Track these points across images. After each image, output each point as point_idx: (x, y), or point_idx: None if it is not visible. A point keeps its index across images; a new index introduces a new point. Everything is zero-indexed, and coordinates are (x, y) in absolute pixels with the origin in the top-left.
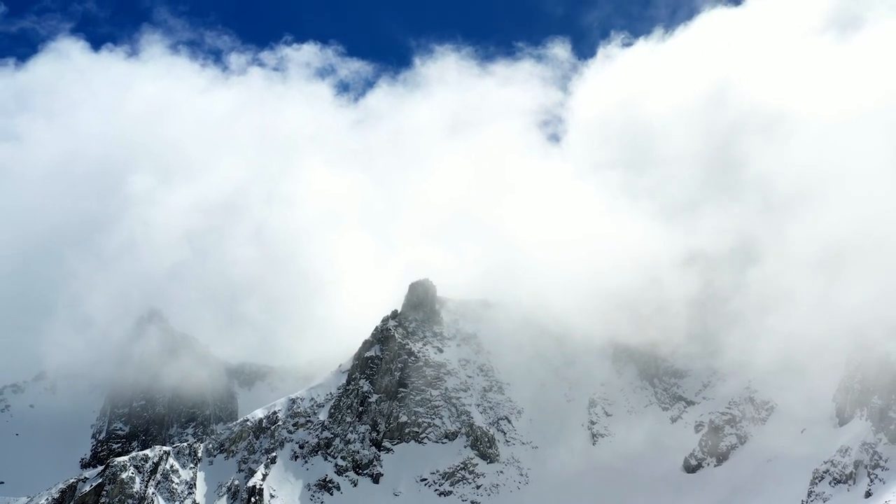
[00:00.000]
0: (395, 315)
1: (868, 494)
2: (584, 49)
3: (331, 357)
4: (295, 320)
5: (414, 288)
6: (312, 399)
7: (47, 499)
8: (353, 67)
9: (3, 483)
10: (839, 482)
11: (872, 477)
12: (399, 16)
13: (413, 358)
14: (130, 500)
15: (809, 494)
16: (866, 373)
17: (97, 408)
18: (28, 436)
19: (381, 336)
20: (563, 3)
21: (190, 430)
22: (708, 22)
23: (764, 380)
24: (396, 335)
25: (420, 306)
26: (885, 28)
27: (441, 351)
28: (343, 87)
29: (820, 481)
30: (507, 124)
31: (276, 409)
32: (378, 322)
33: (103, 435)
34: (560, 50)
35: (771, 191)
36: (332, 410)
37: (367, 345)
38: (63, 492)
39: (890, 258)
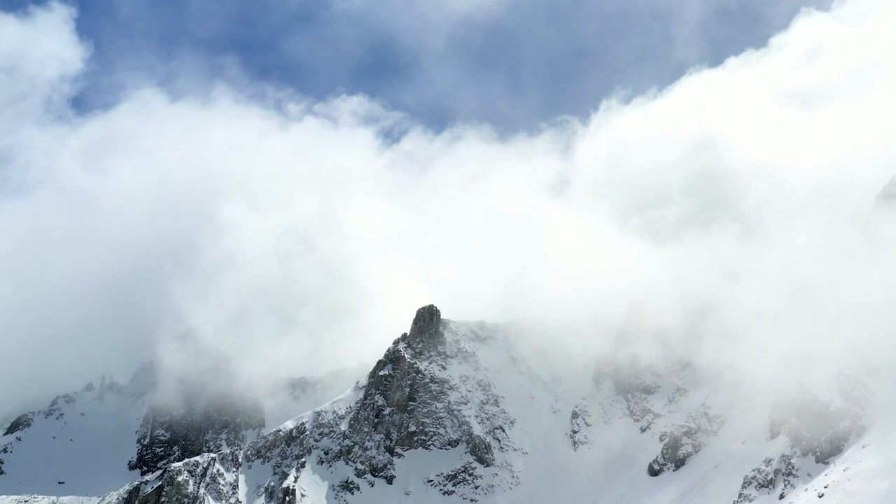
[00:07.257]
0: (404, 337)
1: (781, 496)
2: (589, 110)
3: (348, 371)
4: (337, 333)
5: (420, 313)
6: (335, 412)
7: (117, 499)
8: (395, 118)
9: (63, 483)
10: (762, 486)
11: (786, 483)
12: (431, 100)
13: (420, 375)
14: (186, 500)
15: (739, 496)
16: (789, 397)
17: (140, 416)
18: (80, 441)
19: (393, 356)
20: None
21: (223, 436)
22: (693, 81)
23: (719, 397)
24: (406, 355)
25: (426, 329)
26: (842, 104)
27: (444, 368)
28: (385, 134)
29: (748, 486)
30: (520, 177)
31: (304, 420)
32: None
33: (147, 440)
34: (575, 126)
35: (745, 229)
36: (352, 421)
37: (380, 364)
38: (130, 492)
39: (823, 298)
